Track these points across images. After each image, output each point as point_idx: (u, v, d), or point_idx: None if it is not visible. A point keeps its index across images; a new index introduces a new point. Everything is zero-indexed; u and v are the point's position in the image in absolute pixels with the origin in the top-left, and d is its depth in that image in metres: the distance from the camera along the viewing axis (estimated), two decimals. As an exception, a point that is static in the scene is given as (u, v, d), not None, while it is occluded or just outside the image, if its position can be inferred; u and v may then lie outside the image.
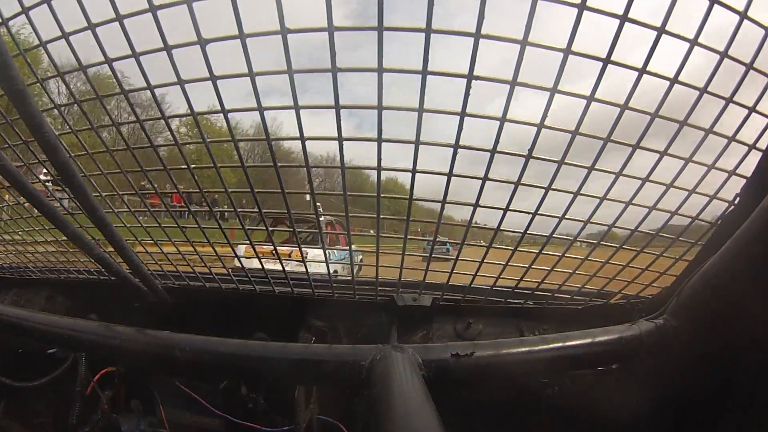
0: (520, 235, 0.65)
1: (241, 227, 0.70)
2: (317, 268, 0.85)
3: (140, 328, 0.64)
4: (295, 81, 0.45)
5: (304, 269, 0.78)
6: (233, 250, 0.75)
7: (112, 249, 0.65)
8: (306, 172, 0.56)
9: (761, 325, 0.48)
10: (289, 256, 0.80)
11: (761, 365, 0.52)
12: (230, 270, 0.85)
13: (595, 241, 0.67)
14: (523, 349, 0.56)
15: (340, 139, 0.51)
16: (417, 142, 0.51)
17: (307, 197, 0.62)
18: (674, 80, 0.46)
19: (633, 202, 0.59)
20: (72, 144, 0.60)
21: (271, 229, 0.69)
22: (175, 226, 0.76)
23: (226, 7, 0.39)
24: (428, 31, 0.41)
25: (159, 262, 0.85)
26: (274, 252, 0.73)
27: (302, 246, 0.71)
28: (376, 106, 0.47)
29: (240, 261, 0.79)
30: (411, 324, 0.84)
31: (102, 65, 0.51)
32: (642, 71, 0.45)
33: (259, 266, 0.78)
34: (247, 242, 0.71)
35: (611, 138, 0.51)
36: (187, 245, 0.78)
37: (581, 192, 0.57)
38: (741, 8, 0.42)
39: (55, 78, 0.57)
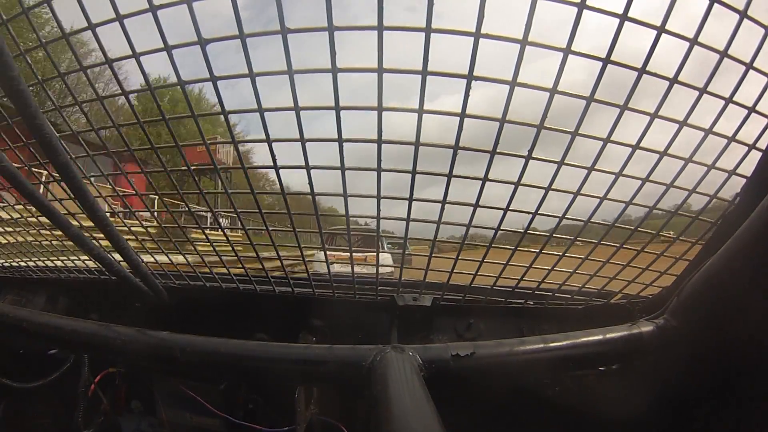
0: (521, 234, 0.65)
1: (241, 227, 0.70)
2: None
3: (140, 329, 0.64)
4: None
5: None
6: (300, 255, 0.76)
7: (112, 248, 0.65)
8: (306, 173, 0.56)
9: (761, 325, 0.48)
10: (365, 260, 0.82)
11: (761, 365, 0.52)
12: (230, 269, 0.85)
13: (595, 241, 0.67)
14: (523, 349, 0.56)
15: (340, 140, 0.51)
16: (417, 143, 0.51)
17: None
18: (674, 80, 0.46)
19: (633, 201, 0.59)
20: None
21: (271, 229, 0.69)
22: (176, 226, 0.76)
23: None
24: (428, 30, 0.41)
25: (159, 262, 0.85)
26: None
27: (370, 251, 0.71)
28: (376, 107, 0.47)
29: (309, 264, 0.80)
30: (411, 324, 0.84)
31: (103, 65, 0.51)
32: (642, 71, 0.45)
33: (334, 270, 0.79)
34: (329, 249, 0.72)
35: (611, 138, 0.51)
36: (188, 245, 0.78)
37: (581, 192, 0.57)
38: (741, 8, 0.42)
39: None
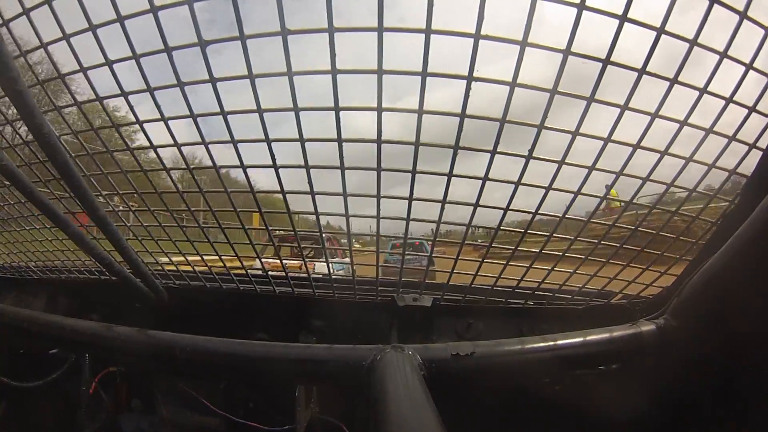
0: (521, 234, 0.65)
1: (241, 227, 0.70)
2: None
3: (141, 329, 0.64)
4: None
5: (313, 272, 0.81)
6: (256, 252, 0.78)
7: (113, 249, 0.65)
8: (306, 172, 0.56)
9: (761, 325, 0.48)
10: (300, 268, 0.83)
11: (761, 365, 0.52)
12: (230, 270, 0.85)
13: (595, 241, 0.67)
14: (523, 349, 0.56)
15: (340, 140, 0.51)
16: (417, 143, 0.51)
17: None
18: (674, 80, 0.46)
19: (634, 201, 0.59)
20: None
21: (273, 234, 0.69)
22: (176, 225, 0.76)
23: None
24: (428, 31, 0.41)
25: (160, 262, 0.85)
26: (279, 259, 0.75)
27: (308, 259, 0.72)
28: (376, 107, 0.47)
29: (262, 262, 0.81)
30: (411, 324, 0.84)
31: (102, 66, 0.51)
32: (641, 71, 0.45)
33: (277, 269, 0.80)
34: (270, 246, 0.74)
35: (611, 138, 0.51)
36: (188, 245, 0.78)
37: (582, 191, 0.57)
38: (741, 8, 0.42)
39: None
